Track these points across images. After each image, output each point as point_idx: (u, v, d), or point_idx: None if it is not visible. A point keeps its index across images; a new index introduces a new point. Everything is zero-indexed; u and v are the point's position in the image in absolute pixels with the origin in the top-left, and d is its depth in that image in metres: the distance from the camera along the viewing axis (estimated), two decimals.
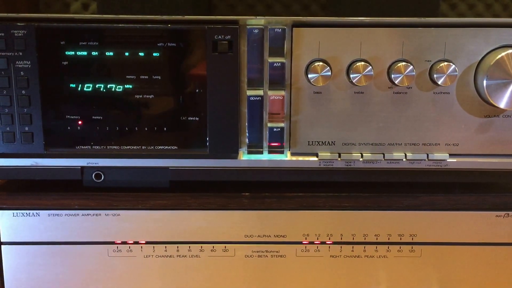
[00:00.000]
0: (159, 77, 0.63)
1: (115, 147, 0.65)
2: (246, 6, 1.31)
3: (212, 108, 0.64)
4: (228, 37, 0.62)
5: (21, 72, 0.62)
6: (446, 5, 1.69)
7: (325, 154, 0.65)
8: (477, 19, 0.63)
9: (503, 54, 0.60)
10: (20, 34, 0.60)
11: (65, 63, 0.62)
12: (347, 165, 0.66)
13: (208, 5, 1.22)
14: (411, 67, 0.61)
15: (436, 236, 0.68)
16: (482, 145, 0.65)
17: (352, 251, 0.68)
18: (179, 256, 0.68)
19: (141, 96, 0.63)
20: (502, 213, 0.67)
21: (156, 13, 0.80)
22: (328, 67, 0.62)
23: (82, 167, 0.65)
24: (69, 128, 0.64)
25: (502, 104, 0.61)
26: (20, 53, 0.61)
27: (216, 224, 0.68)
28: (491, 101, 0.61)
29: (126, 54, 0.63)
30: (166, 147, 0.65)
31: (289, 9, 1.38)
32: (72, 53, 0.62)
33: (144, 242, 0.68)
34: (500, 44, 0.62)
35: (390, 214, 0.68)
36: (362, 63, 0.62)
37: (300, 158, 0.66)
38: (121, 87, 0.63)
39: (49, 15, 0.61)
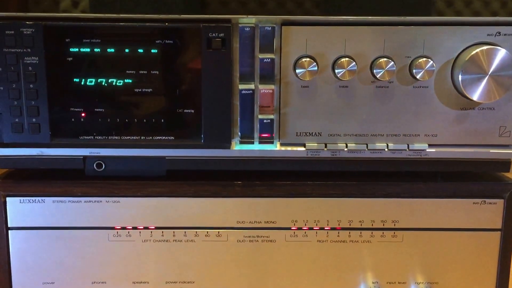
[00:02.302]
0: (157, 72, 0.68)
1: (115, 137, 0.70)
2: (238, 3, 1.36)
3: (207, 101, 0.69)
4: (222, 34, 0.67)
5: (29, 67, 0.67)
6: (442, 2, 1.76)
7: (312, 145, 0.71)
8: (454, 18, 0.69)
9: (477, 50, 0.66)
10: (28, 32, 0.66)
11: (69, 59, 0.67)
12: (333, 155, 0.71)
13: (201, 2, 1.26)
14: (392, 62, 0.67)
15: (417, 222, 0.74)
16: (459, 136, 0.71)
17: (338, 236, 0.74)
18: (175, 240, 0.74)
19: (140, 90, 0.69)
20: (479, 200, 0.73)
21: (149, 9, 0.86)
22: (315, 63, 0.67)
23: (85, 157, 0.71)
24: (73, 119, 0.69)
25: (475, 97, 0.67)
26: (29, 50, 0.66)
27: (210, 210, 0.73)
28: (466, 94, 0.67)
29: (126, 50, 0.68)
30: (163, 137, 0.70)
31: (283, 7, 1.43)
32: (76, 49, 0.67)
33: (142, 227, 0.73)
34: (475, 41, 0.68)
35: (374, 201, 0.73)
36: (346, 59, 0.67)
37: (289, 148, 0.71)
38: (122, 81, 0.69)
39: (55, 14, 0.67)
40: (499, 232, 0.74)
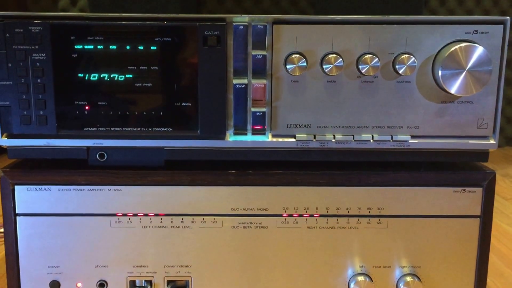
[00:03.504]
0: (156, 68, 0.73)
1: (117, 129, 0.74)
2: (234, 1, 1.41)
3: (203, 95, 0.73)
4: (217, 32, 0.72)
5: (37, 63, 0.71)
6: (435, 1, 1.82)
7: (302, 136, 0.75)
8: (434, 17, 0.74)
9: (456, 47, 0.71)
10: (36, 30, 0.70)
11: (74, 55, 0.72)
12: (321, 146, 0.76)
13: (197, 0, 1.30)
14: (376, 59, 0.72)
15: (401, 209, 0.78)
16: (439, 127, 0.75)
17: (327, 223, 0.79)
18: (173, 227, 0.78)
19: (140, 84, 0.73)
20: (459, 188, 0.78)
21: (147, 8, 0.91)
22: (304, 59, 0.72)
23: (88, 147, 0.75)
24: (77, 112, 0.73)
25: (453, 91, 0.72)
26: (36, 47, 0.71)
27: (206, 198, 0.78)
28: (446, 88, 0.72)
29: (127, 47, 0.72)
30: (162, 129, 0.74)
31: (278, 5, 1.48)
32: (81, 46, 0.72)
33: (142, 214, 0.78)
34: (454, 39, 0.73)
35: (360, 189, 0.78)
36: (334, 55, 0.72)
37: (280, 139, 0.76)
38: (123, 76, 0.73)
39: (61, 13, 0.72)
40: (478, 219, 0.79)
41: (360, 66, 0.73)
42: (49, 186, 0.77)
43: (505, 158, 1.95)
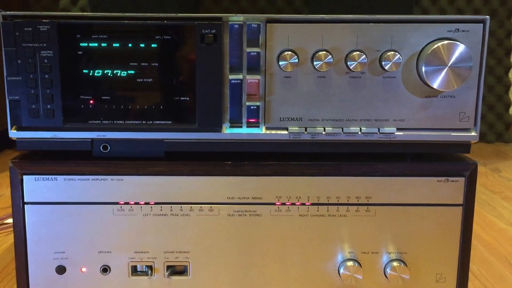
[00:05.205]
0: (157, 64, 0.76)
1: (120, 122, 0.78)
2: (231, 1, 1.45)
3: (200, 90, 0.77)
4: (214, 31, 0.75)
5: (45, 60, 0.75)
6: (427, 0, 1.86)
7: (294, 129, 0.79)
8: (419, 16, 0.78)
9: (438, 44, 0.75)
10: (44, 29, 0.74)
11: (80, 52, 0.76)
12: (312, 138, 0.79)
13: (195, 0, 1.33)
14: (364, 56, 0.76)
15: (388, 198, 0.82)
16: (423, 120, 0.79)
17: (317, 211, 0.83)
18: (172, 214, 0.82)
19: (141, 80, 0.77)
20: (443, 178, 0.82)
21: (146, 7, 0.95)
22: (296, 56, 0.76)
23: (92, 139, 0.79)
24: (82, 106, 0.77)
25: (436, 85, 0.76)
26: (44, 44, 0.75)
27: (204, 187, 0.81)
28: (429, 83, 0.76)
29: (129, 45, 0.76)
30: (162, 122, 0.78)
31: (273, 4, 1.52)
32: (86, 44, 0.76)
33: (143, 202, 0.82)
34: (437, 37, 0.77)
35: (349, 179, 0.82)
36: (324, 52, 0.76)
37: (273, 131, 0.79)
38: (125, 72, 0.77)
39: (68, 13, 0.76)
40: (460, 207, 0.83)
41: (348, 63, 0.77)
42: (55, 176, 0.81)
43: (495, 153, 1.99)
